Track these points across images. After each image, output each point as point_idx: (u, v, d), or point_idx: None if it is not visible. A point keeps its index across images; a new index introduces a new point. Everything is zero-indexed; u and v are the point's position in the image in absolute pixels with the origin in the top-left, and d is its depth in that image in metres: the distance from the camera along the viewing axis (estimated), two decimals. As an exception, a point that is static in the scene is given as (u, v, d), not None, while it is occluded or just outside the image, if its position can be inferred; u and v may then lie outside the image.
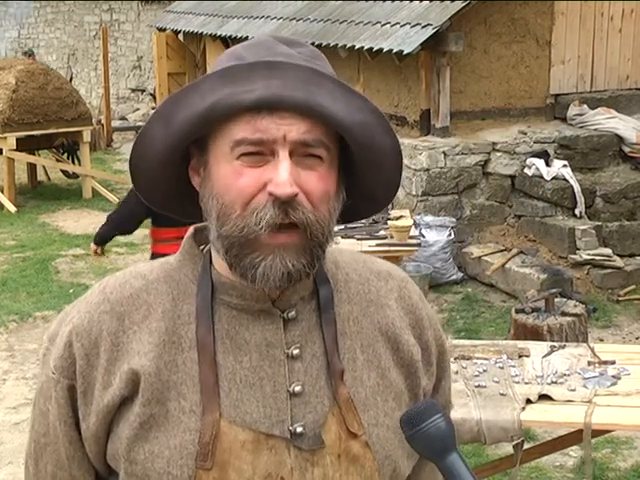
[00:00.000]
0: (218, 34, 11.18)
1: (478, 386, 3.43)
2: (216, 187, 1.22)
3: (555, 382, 3.44)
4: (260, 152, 1.20)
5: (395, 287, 1.40)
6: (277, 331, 1.28)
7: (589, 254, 7.20)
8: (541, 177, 7.72)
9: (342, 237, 5.71)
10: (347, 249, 1.47)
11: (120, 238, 9.24)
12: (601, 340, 6.24)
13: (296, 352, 1.27)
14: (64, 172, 11.79)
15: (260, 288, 1.25)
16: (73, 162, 11.58)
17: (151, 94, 16.16)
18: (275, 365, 1.27)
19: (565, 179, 7.66)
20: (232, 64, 1.21)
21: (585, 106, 8.32)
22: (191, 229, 1.36)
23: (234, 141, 1.20)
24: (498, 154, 7.94)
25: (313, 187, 1.21)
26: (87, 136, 10.90)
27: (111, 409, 1.26)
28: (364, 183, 1.30)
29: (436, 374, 1.42)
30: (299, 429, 1.25)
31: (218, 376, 1.25)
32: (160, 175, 1.28)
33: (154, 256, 5.45)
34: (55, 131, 10.69)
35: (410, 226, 6.02)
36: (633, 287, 7.17)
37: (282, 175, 1.17)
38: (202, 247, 1.34)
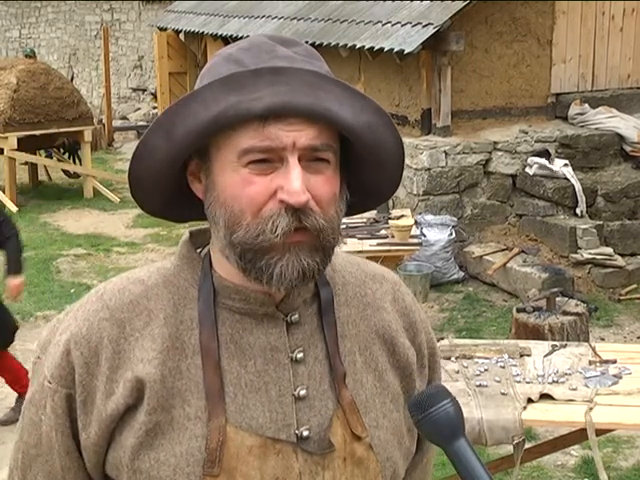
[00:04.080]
0: (219, 34, 11.19)
1: (479, 385, 3.43)
2: (223, 196, 1.21)
3: (556, 381, 3.44)
4: (269, 159, 1.18)
5: (389, 290, 1.40)
6: (281, 335, 1.27)
7: (590, 253, 7.20)
8: (542, 176, 7.72)
9: (340, 233, 5.70)
10: (340, 252, 1.45)
11: (121, 238, 9.31)
12: (602, 339, 6.24)
13: (300, 356, 1.27)
14: (65, 172, 11.79)
15: (267, 291, 1.24)
16: (74, 162, 11.59)
17: (152, 94, 16.16)
18: (280, 369, 1.26)
19: (566, 178, 7.66)
20: (234, 71, 1.18)
21: (586, 105, 8.32)
22: (186, 233, 1.34)
23: (242, 150, 1.18)
24: (499, 153, 7.94)
25: (322, 192, 1.20)
26: (88, 136, 10.91)
27: (115, 418, 1.24)
28: (367, 180, 1.30)
29: (427, 376, 1.42)
30: (305, 433, 1.25)
31: (223, 381, 1.24)
32: (160, 185, 1.26)
33: None
34: (56, 131, 10.69)
35: (411, 225, 6.02)
36: (634, 286, 7.17)
37: (295, 183, 1.16)
38: (199, 250, 1.32)
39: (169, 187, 1.27)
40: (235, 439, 1.22)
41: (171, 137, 1.20)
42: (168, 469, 1.22)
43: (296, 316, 1.28)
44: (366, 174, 1.29)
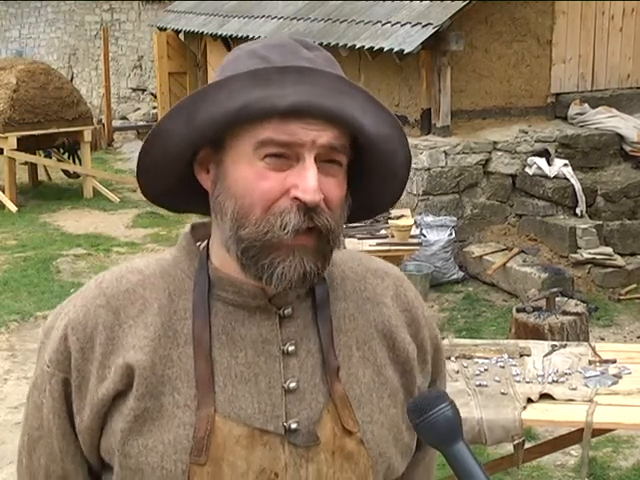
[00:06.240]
0: (219, 34, 11.18)
1: (479, 385, 3.43)
2: (234, 188, 1.22)
3: (556, 381, 3.44)
4: (285, 155, 1.20)
5: (391, 285, 1.40)
6: (273, 327, 1.28)
7: (590, 253, 7.20)
8: (542, 176, 7.72)
9: (343, 236, 5.70)
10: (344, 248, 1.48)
11: (121, 238, 9.31)
12: (602, 339, 6.24)
13: (291, 349, 1.28)
14: (65, 172, 11.79)
15: (260, 284, 1.25)
16: (74, 162, 11.58)
17: (152, 94, 16.16)
18: (270, 361, 1.27)
19: (566, 178, 7.66)
20: (260, 66, 1.20)
21: (586, 105, 8.32)
22: (188, 225, 1.36)
23: (259, 141, 1.19)
24: (499, 153, 7.94)
25: (333, 194, 1.22)
26: (88, 136, 10.90)
27: (105, 403, 1.26)
28: (373, 191, 1.32)
29: (431, 373, 1.42)
30: (294, 425, 1.26)
31: (213, 371, 1.25)
32: (169, 170, 1.27)
33: None
34: (56, 131, 10.68)
35: (411, 225, 6.02)
36: (634, 286, 7.17)
37: (311, 182, 1.18)
38: (199, 243, 1.34)
39: (176, 173, 1.28)
40: (223, 429, 1.24)
41: (192, 122, 1.21)
42: (156, 455, 1.24)
43: (289, 309, 1.29)
44: (372, 185, 1.31)
